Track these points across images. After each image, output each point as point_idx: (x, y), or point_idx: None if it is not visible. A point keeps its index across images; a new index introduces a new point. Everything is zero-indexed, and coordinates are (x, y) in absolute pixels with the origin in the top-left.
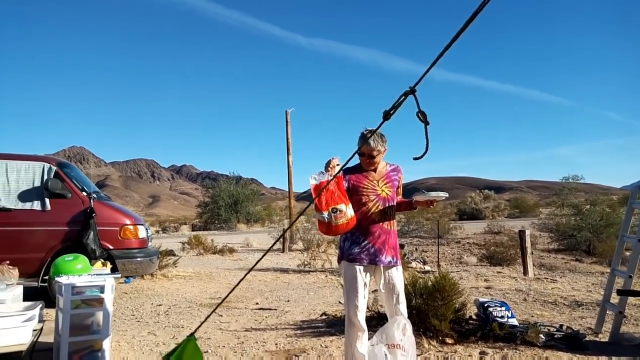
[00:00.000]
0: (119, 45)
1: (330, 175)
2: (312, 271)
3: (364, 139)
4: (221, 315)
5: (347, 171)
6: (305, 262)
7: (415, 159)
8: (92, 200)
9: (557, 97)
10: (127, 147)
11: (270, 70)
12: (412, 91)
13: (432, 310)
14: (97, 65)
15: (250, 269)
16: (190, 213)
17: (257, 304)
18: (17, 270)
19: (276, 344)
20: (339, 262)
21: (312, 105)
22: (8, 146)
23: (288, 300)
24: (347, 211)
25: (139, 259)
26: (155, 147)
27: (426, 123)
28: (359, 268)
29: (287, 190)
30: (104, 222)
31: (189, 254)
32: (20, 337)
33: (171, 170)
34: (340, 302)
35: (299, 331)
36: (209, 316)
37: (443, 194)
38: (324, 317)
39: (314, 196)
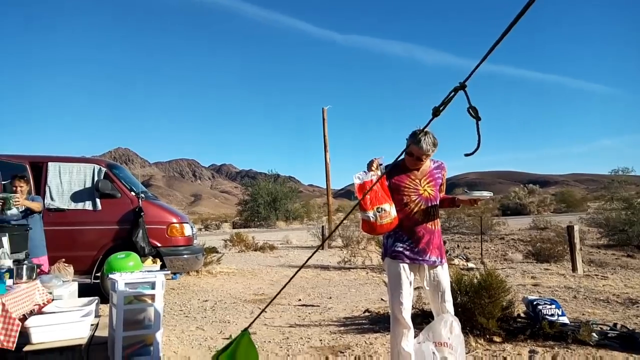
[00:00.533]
0: (159, 50)
1: (374, 175)
2: (353, 268)
3: (414, 138)
4: (265, 311)
5: (391, 167)
6: (346, 259)
7: (467, 155)
8: (140, 200)
9: (603, 86)
10: (170, 147)
11: (307, 69)
12: (462, 86)
13: (478, 308)
14: (144, 69)
15: (301, 267)
16: (231, 211)
17: (300, 300)
18: (72, 267)
19: (320, 340)
20: (382, 259)
21: (349, 101)
22: (58, 149)
23: (330, 297)
24: (392, 211)
25: (185, 256)
26: (196, 147)
27: (478, 119)
28: (403, 265)
29: (324, 187)
30: (151, 221)
31: (231, 251)
32: (79, 331)
33: (211, 169)
34: (382, 299)
35: (342, 328)
36: (262, 312)
37: (487, 194)
38: (367, 314)
39: (358, 196)
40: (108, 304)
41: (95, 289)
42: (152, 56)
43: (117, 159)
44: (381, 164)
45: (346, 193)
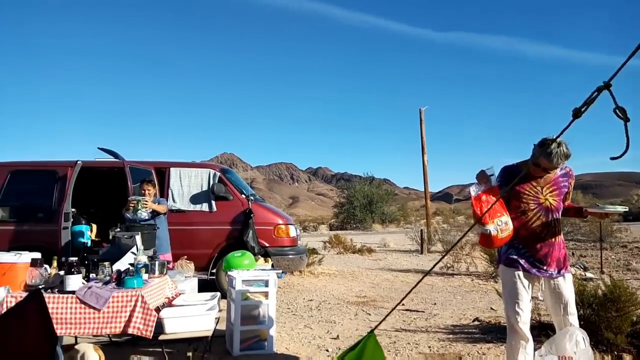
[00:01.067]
0: (254, 56)
1: (485, 185)
2: (456, 274)
3: (544, 149)
4: (369, 314)
5: (507, 173)
6: (448, 265)
7: (613, 158)
8: (250, 202)
9: None
10: (269, 151)
11: (402, 69)
12: (606, 86)
13: (604, 322)
14: (243, 77)
15: (426, 274)
16: (327, 213)
17: (404, 305)
18: (192, 264)
19: (429, 346)
20: (496, 265)
21: (447, 101)
22: (174, 154)
23: (435, 303)
24: (509, 222)
25: (290, 256)
26: (293, 151)
27: (626, 120)
28: (518, 273)
29: (420, 190)
30: (260, 222)
31: (329, 252)
32: (205, 324)
33: (308, 172)
34: (492, 309)
35: (451, 335)
36: (388, 314)
37: (621, 209)
38: (476, 322)
39: (475, 209)
40: (226, 300)
41: (211, 284)
42: (248, 62)
43: (223, 163)
44: (492, 175)
45: (444, 196)
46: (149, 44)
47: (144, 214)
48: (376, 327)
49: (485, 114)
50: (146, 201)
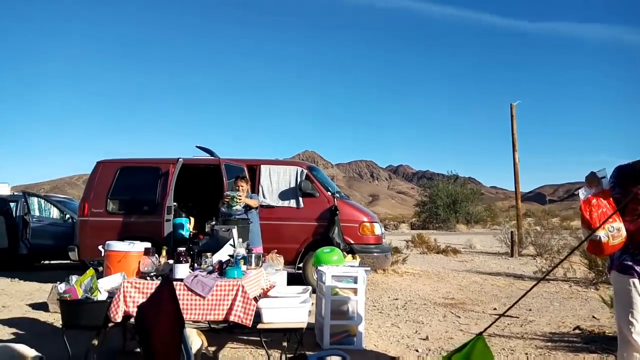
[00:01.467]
0: (336, 54)
1: (595, 187)
2: (552, 280)
3: None
4: (459, 317)
5: (622, 173)
6: (544, 270)
7: None
8: (335, 199)
9: None
10: (350, 149)
11: (491, 63)
12: None
13: None
14: (324, 76)
15: (542, 278)
16: (407, 212)
17: (495, 309)
18: (282, 258)
19: (526, 353)
20: (608, 271)
21: (540, 95)
22: (256, 152)
23: (530, 309)
24: (622, 229)
25: (375, 254)
26: (373, 148)
27: None
28: (633, 280)
29: (508, 189)
30: (345, 219)
31: (412, 251)
32: (299, 315)
33: (388, 170)
34: (594, 317)
35: (549, 343)
36: (499, 318)
37: None
38: (577, 331)
39: (584, 214)
40: (315, 294)
41: (297, 278)
42: (330, 61)
43: (304, 161)
44: (603, 177)
45: (536, 196)
46: (239, 44)
47: (238, 208)
48: (485, 329)
49: (582, 109)
50: (240, 196)
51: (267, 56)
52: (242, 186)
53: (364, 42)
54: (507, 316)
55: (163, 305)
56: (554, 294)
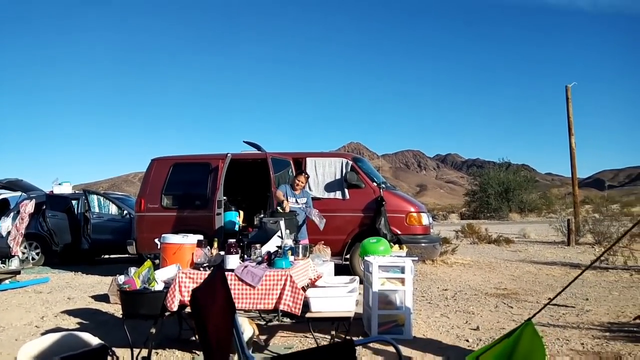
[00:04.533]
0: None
1: None
2: (612, 268)
3: None
4: (511, 307)
5: None
6: (602, 258)
7: None
8: (381, 190)
9: None
10: (396, 139)
11: (545, 44)
12: None
13: None
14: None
15: (588, 267)
16: (457, 202)
17: (550, 299)
18: (329, 249)
19: (582, 343)
20: None
21: (599, 76)
22: (302, 145)
23: (587, 299)
24: None
25: (423, 244)
26: (420, 138)
27: None
28: None
29: (565, 175)
30: (392, 210)
31: (462, 242)
32: (347, 305)
33: (436, 159)
34: None
35: (607, 333)
36: (545, 305)
37: None
38: (637, 321)
39: None
40: (363, 284)
41: (343, 269)
42: (375, 54)
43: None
44: None
45: (594, 182)
46: (282, 41)
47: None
48: (534, 315)
49: None
50: (284, 207)
51: (313, 50)
52: (301, 182)
53: (408, 27)
54: (563, 306)
55: (216, 293)
56: (613, 282)
